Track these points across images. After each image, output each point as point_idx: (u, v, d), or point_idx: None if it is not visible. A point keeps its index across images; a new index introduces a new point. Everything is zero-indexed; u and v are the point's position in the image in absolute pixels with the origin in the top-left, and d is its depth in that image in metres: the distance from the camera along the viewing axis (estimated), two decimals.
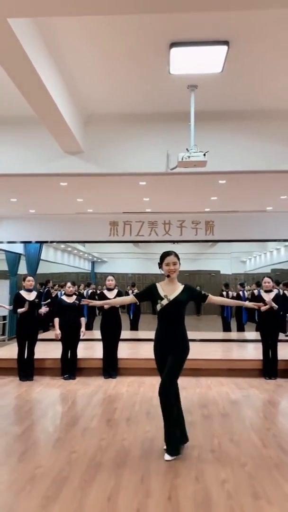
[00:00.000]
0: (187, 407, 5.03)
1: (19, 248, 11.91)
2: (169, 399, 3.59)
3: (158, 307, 3.69)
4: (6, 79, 4.18)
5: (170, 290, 3.73)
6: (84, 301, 4.30)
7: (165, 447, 3.64)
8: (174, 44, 4.30)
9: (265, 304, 6.49)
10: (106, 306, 6.40)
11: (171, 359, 3.65)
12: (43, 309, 6.83)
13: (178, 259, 3.79)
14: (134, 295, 4.01)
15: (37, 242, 11.08)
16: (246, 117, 5.78)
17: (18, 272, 12.64)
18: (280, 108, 5.66)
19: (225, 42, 4.27)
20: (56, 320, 6.70)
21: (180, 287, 3.75)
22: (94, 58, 4.54)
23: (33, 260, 12.16)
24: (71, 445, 3.88)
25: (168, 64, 4.61)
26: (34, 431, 4.43)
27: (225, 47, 4.29)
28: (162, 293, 3.71)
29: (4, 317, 11.70)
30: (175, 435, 3.62)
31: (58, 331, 6.62)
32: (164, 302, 3.67)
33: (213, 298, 3.85)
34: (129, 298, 4.06)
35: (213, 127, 5.78)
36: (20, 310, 6.57)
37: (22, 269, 12.66)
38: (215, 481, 3.15)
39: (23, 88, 4.23)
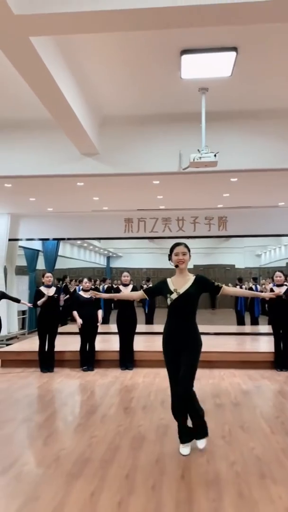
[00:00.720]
0: (201, 396, 5.22)
1: (37, 245, 12.29)
2: (189, 398, 3.56)
3: (168, 301, 3.58)
4: (28, 86, 4.45)
5: (180, 283, 3.60)
6: (91, 293, 4.29)
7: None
8: (184, 51, 4.51)
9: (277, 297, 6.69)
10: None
11: (187, 359, 3.53)
12: (61, 300, 7.11)
13: (189, 250, 3.69)
14: (143, 290, 3.89)
15: (54, 239, 11.42)
16: (256, 117, 5.95)
17: (37, 268, 13.05)
18: None
19: (234, 48, 4.46)
20: (75, 313, 7.02)
21: (191, 279, 3.61)
22: (108, 64, 4.76)
23: (51, 256, 12.53)
24: (91, 430, 4.18)
25: (179, 69, 4.82)
26: (57, 418, 4.75)
27: (233, 53, 4.48)
28: (172, 287, 3.60)
29: (23, 312, 12.09)
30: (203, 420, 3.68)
31: (79, 320, 6.93)
32: (174, 296, 3.55)
33: (227, 289, 3.69)
34: (139, 294, 3.98)
35: (224, 127, 5.96)
36: (39, 302, 6.88)
37: (40, 265, 13.05)
38: (225, 463, 3.40)
39: (43, 97, 4.49)
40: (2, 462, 3.46)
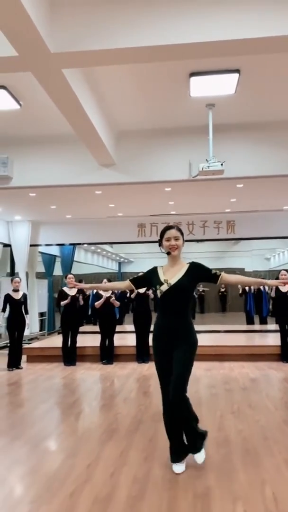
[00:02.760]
0: (212, 384, 5.83)
1: (54, 250, 12.96)
2: (182, 405, 3.01)
3: (158, 293, 3.14)
4: (51, 107, 5.06)
5: (172, 273, 3.15)
6: (70, 283, 3.72)
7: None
8: (193, 74, 5.10)
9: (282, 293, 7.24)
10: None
11: (179, 358, 3.03)
12: (80, 300, 7.71)
13: (182, 234, 3.23)
14: (130, 280, 3.38)
15: (71, 244, 12.07)
16: (259, 128, 6.50)
17: (54, 274, 13.68)
18: None
19: (237, 70, 5.04)
20: (97, 303, 7.70)
21: (183, 268, 3.15)
22: (125, 85, 5.32)
23: (67, 261, 13.15)
24: (116, 409, 4.75)
25: (188, 88, 5.40)
26: (84, 400, 5.33)
27: (236, 75, 5.07)
28: (162, 277, 3.14)
29: (42, 314, 12.71)
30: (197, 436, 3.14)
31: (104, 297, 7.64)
32: (164, 287, 3.08)
33: (227, 277, 3.16)
34: (125, 284, 3.43)
35: (230, 138, 6.51)
36: (63, 303, 7.50)
37: (57, 270, 13.69)
38: (234, 431, 3.94)
39: (70, 117, 5.09)
40: (43, 432, 4.06)
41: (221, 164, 5.74)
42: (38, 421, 4.44)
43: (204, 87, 5.40)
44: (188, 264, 3.18)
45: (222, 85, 5.35)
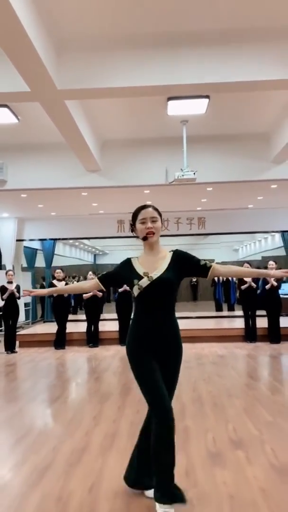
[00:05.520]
0: (186, 359, 6.77)
1: (36, 244, 13.70)
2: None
3: (136, 290, 2.50)
4: (46, 116, 5.87)
5: (152, 264, 2.54)
6: (25, 292, 2.95)
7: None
8: (170, 98, 6.03)
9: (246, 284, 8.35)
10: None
11: (172, 378, 2.58)
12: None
13: (160, 215, 2.59)
14: (98, 278, 2.76)
15: (53, 239, 12.86)
16: (226, 141, 7.53)
17: (35, 266, 14.42)
18: (252, 132, 7.41)
19: (207, 96, 6.01)
20: (85, 295, 8.60)
21: (167, 257, 2.57)
22: (111, 105, 6.21)
23: (48, 254, 13.90)
24: (108, 380, 5.72)
25: (166, 108, 6.34)
26: (79, 375, 6.27)
27: (206, 100, 6.04)
28: (140, 270, 2.53)
29: (26, 304, 13.45)
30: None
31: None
32: (144, 282, 2.48)
33: (219, 269, 2.61)
34: (92, 283, 2.77)
35: (201, 149, 7.50)
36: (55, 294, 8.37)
37: (38, 263, 14.43)
38: (205, 391, 4.97)
39: (64, 131, 5.95)
40: (51, 396, 4.99)
41: (194, 173, 6.72)
42: (44, 390, 5.35)
43: (179, 108, 6.33)
44: (171, 253, 2.60)
45: (195, 107, 6.30)
